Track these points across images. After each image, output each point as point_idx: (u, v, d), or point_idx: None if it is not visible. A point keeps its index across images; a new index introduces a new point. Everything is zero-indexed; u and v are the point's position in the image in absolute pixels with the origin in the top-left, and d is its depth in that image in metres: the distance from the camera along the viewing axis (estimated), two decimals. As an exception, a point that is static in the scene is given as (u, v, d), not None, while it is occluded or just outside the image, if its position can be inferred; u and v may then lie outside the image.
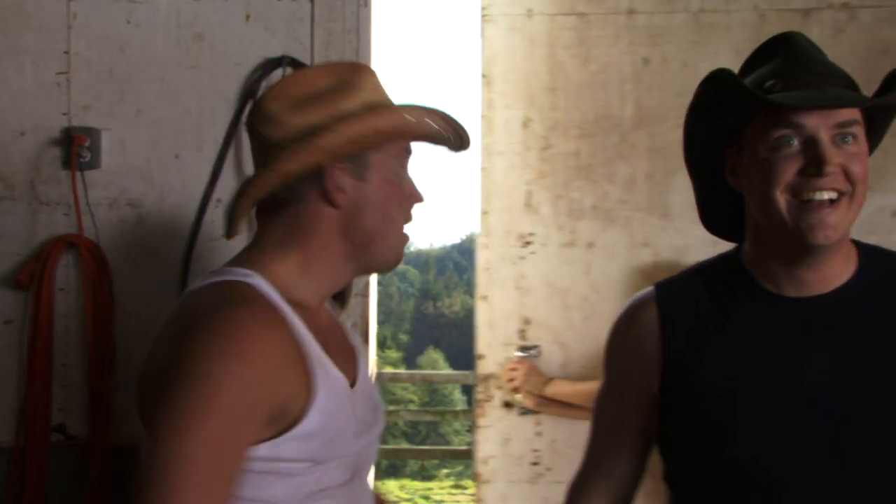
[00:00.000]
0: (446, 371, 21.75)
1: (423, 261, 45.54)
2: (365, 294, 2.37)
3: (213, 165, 2.34)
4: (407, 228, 1.46)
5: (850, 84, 1.34)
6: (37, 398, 2.24)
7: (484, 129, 2.66)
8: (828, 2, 2.58)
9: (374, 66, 2.43)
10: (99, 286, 2.29)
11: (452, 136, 1.45)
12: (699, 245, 2.39)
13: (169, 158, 2.38)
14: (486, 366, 2.69)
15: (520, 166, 2.67)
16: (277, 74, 2.33)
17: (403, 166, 1.45)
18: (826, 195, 1.27)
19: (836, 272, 1.35)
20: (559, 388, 2.61)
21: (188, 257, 2.34)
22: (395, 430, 21.18)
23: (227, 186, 2.32)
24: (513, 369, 2.63)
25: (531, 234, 2.68)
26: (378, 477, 3.38)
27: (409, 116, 1.39)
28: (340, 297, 2.05)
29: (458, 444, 19.12)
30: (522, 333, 2.69)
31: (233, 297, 1.31)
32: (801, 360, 1.32)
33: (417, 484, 15.64)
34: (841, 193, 1.28)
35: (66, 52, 2.37)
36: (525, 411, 2.67)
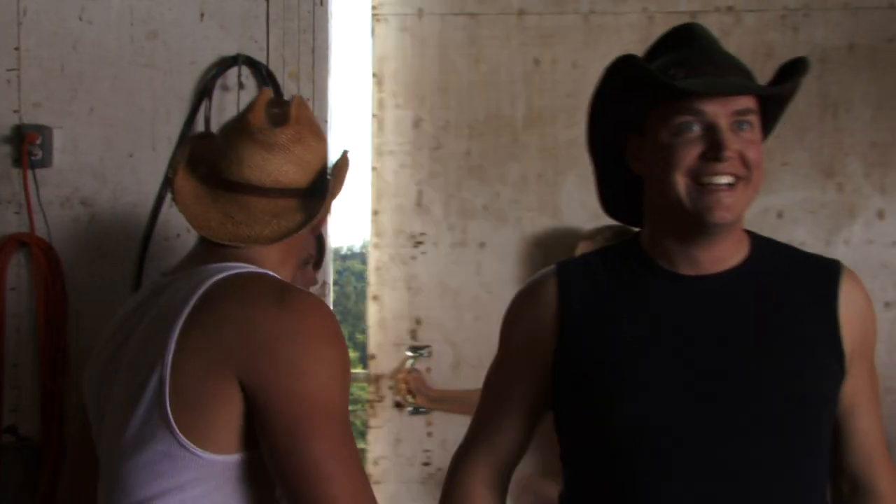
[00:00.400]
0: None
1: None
2: (322, 294, 2.37)
3: (167, 165, 2.32)
4: None
5: (748, 74, 1.38)
6: (-13, 399, 2.19)
7: (375, 129, 2.65)
8: (714, 4, 2.61)
9: (332, 64, 2.48)
10: (51, 286, 2.27)
11: None
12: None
13: (122, 157, 2.38)
14: (377, 366, 2.68)
15: (411, 166, 2.67)
16: (233, 73, 2.33)
17: None
18: (724, 179, 1.32)
19: (728, 253, 1.40)
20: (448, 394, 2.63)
21: (142, 257, 2.33)
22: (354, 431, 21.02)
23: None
24: (404, 381, 2.63)
25: (422, 234, 2.68)
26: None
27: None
28: None
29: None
30: (414, 333, 2.68)
31: (290, 286, 1.36)
32: (691, 332, 1.36)
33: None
34: (738, 178, 1.32)
35: (17, 49, 2.36)
36: (416, 410, 2.67)
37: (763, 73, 1.43)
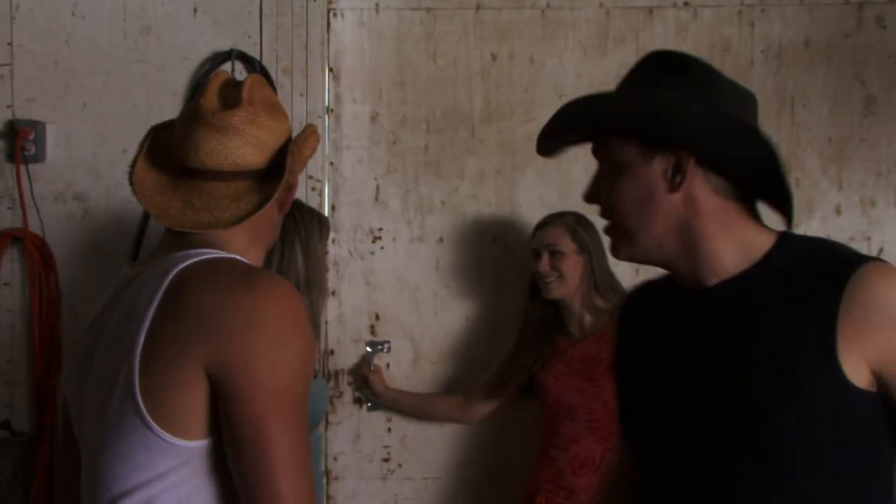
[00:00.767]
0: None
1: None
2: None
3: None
4: None
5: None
6: (-20, 394, 2.19)
7: (331, 124, 2.63)
8: (671, 0, 2.61)
9: (326, 60, 2.53)
10: (44, 281, 2.27)
11: None
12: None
13: (116, 153, 2.37)
14: (336, 361, 2.68)
15: (368, 161, 2.66)
16: (226, 68, 2.33)
17: None
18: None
19: (718, 268, 1.29)
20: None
21: (136, 252, 2.33)
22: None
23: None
24: (364, 378, 2.63)
25: (380, 230, 2.67)
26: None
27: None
28: None
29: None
30: (372, 329, 2.68)
31: (256, 270, 1.36)
32: (681, 354, 1.34)
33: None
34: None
35: (10, 44, 2.36)
36: (375, 406, 2.66)
37: (720, 68, 1.34)
